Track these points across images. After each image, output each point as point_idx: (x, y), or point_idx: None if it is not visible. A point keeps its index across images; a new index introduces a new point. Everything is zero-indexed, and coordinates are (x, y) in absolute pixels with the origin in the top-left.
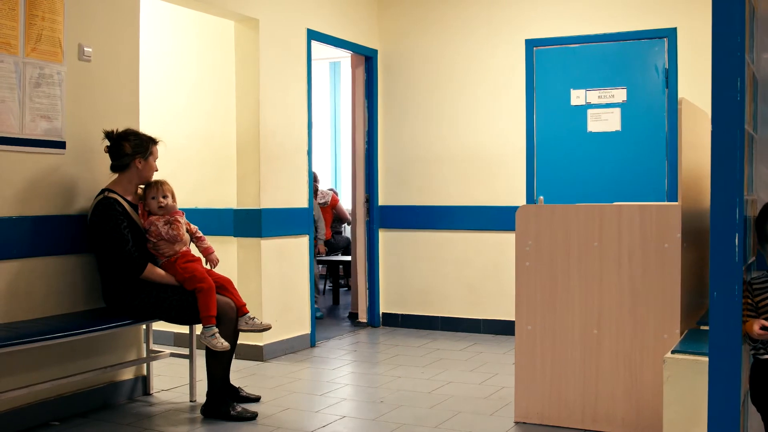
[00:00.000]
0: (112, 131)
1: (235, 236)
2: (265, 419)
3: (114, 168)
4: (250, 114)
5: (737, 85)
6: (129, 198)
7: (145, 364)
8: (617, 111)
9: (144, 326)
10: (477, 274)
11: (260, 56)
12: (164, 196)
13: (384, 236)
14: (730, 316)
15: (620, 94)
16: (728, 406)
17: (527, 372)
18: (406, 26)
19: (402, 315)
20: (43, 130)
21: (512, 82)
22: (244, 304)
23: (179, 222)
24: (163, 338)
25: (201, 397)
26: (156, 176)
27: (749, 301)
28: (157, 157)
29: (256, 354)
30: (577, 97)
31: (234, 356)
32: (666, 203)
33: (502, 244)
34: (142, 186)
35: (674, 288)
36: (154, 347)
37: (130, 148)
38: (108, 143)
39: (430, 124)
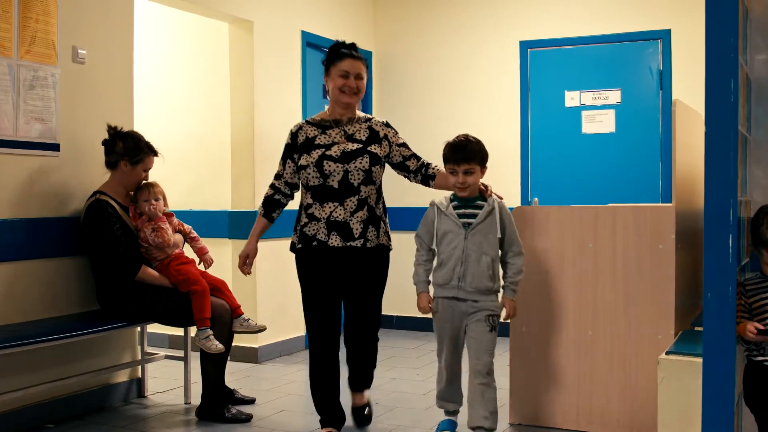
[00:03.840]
0: (116, 127)
1: (229, 238)
2: (260, 421)
3: (106, 164)
4: (244, 115)
5: (731, 86)
6: (120, 200)
7: (139, 367)
8: (611, 112)
9: (138, 328)
10: None
11: (254, 58)
12: (156, 199)
13: None
14: (724, 318)
15: (614, 96)
16: (722, 407)
17: (522, 373)
18: (400, 28)
19: (397, 317)
20: (37, 132)
21: (506, 83)
22: (239, 306)
23: (163, 228)
24: (158, 340)
25: (196, 400)
26: (150, 179)
27: (742, 302)
28: (148, 168)
29: (250, 356)
30: (572, 98)
31: (229, 358)
32: (660, 204)
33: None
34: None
35: (668, 289)
36: (149, 349)
37: (121, 149)
38: (107, 137)
39: (425, 125)
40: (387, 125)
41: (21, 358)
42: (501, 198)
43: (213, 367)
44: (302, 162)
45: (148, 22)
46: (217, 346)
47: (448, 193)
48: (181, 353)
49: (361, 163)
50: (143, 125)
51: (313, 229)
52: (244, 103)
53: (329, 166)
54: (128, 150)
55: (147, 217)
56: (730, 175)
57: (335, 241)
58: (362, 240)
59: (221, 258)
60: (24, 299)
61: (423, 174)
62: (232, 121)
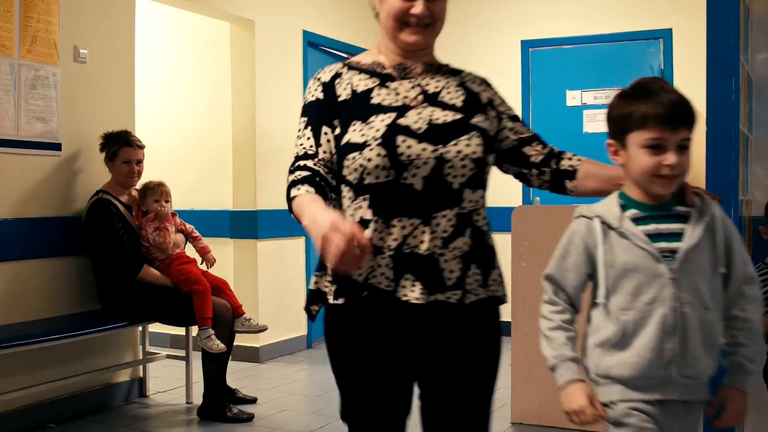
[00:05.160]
0: (111, 132)
1: (231, 238)
2: (261, 421)
3: None
4: (245, 115)
5: (732, 85)
6: (122, 199)
7: (141, 366)
8: None
9: (140, 328)
10: None
11: (256, 57)
12: (166, 201)
13: None
14: None
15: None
16: None
17: (524, 373)
18: None
19: None
20: (39, 131)
21: (508, 83)
22: (240, 306)
23: (167, 230)
24: (160, 340)
25: (197, 399)
26: (152, 178)
27: None
28: (130, 160)
29: (252, 355)
30: (573, 98)
31: (230, 358)
32: None
33: (498, 244)
34: (137, 189)
35: None
36: (150, 349)
37: (103, 148)
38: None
39: None
40: (488, 84)
41: (22, 358)
42: (717, 198)
43: (214, 367)
44: (351, 137)
45: (149, 22)
46: (218, 345)
47: (613, 196)
48: (182, 353)
49: (467, 146)
50: (144, 124)
51: (368, 267)
52: (246, 102)
53: (408, 146)
54: (106, 148)
55: (153, 216)
56: (731, 174)
57: (413, 292)
58: (460, 291)
59: (223, 258)
60: (25, 299)
61: (554, 169)
62: (233, 121)
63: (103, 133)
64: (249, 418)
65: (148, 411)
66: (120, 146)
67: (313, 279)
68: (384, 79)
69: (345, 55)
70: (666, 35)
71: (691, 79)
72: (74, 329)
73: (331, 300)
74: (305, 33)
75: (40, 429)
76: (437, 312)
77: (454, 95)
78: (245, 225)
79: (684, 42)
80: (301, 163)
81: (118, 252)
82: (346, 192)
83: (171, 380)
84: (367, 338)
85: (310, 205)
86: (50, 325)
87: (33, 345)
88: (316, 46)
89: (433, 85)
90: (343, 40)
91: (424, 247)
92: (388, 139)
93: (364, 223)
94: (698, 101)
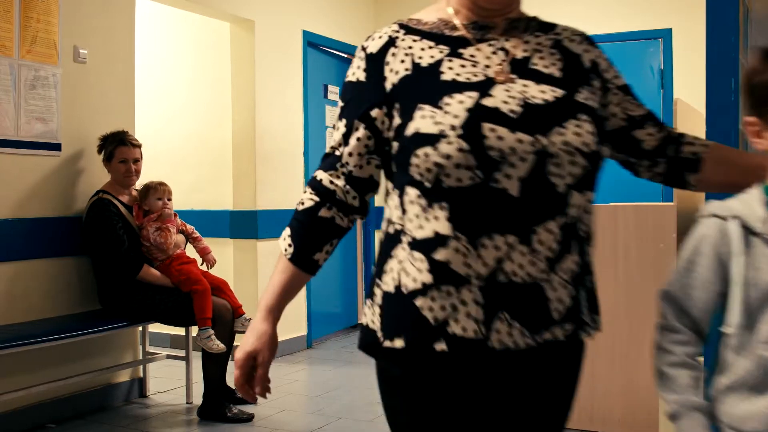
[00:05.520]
0: (107, 134)
1: (231, 238)
2: (261, 421)
3: None
4: (245, 115)
5: (731, 85)
6: (122, 199)
7: (141, 366)
8: None
9: (140, 328)
10: None
11: (256, 58)
12: (169, 199)
13: (380, 237)
14: None
15: None
16: None
17: None
18: None
19: None
20: (39, 132)
21: None
22: (240, 306)
23: (168, 230)
24: (160, 340)
25: (197, 399)
26: (153, 178)
27: None
28: (127, 159)
29: None
30: None
31: (230, 358)
32: (661, 203)
33: None
34: (137, 189)
35: None
36: (150, 349)
37: (100, 150)
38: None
39: None
40: (591, 42)
41: (23, 358)
42: None
43: (214, 367)
44: (420, 125)
45: (149, 22)
46: (218, 345)
47: (755, 192)
48: (182, 353)
49: (577, 135)
50: (144, 125)
51: (445, 305)
52: (246, 102)
53: (498, 137)
54: (104, 149)
55: (155, 216)
56: None
57: (511, 336)
58: (572, 325)
59: (223, 258)
60: (25, 299)
61: (672, 158)
62: (233, 121)
63: (101, 135)
64: (249, 418)
65: (148, 411)
66: (116, 146)
67: (366, 318)
68: (455, 45)
69: (345, 56)
70: (666, 35)
71: (691, 79)
72: (74, 329)
73: (383, 342)
74: (305, 33)
75: (40, 429)
76: (537, 356)
77: (549, 61)
78: (245, 225)
79: (684, 42)
80: (318, 176)
81: (118, 252)
82: (415, 197)
83: (171, 380)
84: (446, 408)
85: (268, 293)
86: (50, 325)
87: (33, 345)
88: (316, 46)
89: (521, 47)
90: (343, 40)
91: (523, 273)
92: (471, 129)
93: (440, 240)
94: (698, 101)
